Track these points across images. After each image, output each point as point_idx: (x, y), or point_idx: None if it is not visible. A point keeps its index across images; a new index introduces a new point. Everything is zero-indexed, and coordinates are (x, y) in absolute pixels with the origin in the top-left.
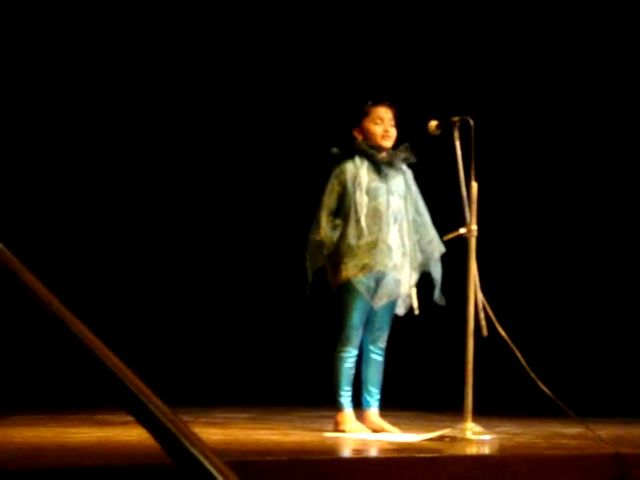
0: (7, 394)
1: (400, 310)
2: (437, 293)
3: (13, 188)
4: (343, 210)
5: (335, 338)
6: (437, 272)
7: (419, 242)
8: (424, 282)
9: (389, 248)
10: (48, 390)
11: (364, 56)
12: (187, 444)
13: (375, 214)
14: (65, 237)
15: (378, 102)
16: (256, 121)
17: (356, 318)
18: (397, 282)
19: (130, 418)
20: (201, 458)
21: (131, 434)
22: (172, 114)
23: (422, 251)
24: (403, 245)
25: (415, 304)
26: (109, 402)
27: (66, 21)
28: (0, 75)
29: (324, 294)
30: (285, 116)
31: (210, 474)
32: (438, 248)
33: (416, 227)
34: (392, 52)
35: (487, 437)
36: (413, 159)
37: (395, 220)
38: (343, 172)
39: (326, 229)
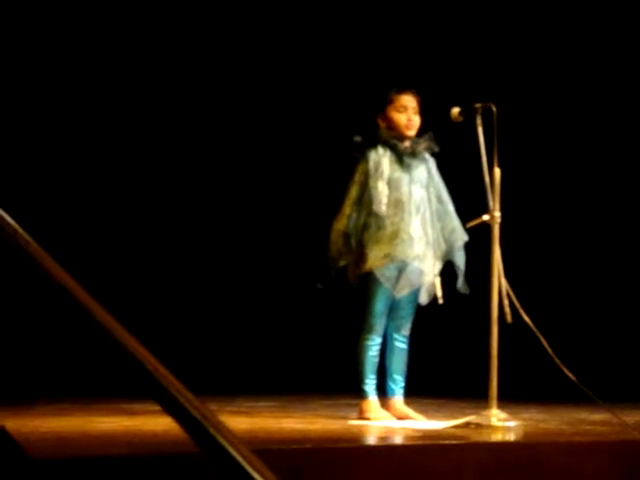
0: (33, 383)
1: (423, 299)
2: (461, 282)
3: (32, 182)
4: (365, 200)
5: (359, 327)
6: (461, 261)
7: (442, 231)
8: (448, 270)
9: (411, 238)
10: (74, 379)
11: (388, 43)
12: (215, 433)
13: (397, 204)
14: (90, 229)
15: (402, 90)
16: (278, 108)
17: (379, 307)
18: (420, 272)
19: (155, 407)
20: (229, 447)
21: (157, 423)
22: (196, 100)
23: (445, 240)
24: (426, 235)
25: (439, 293)
26: (135, 391)
27: (82, 14)
28: (12, 66)
29: (346, 283)
30: (308, 104)
31: (238, 463)
32: (461, 237)
33: (439, 216)
34: (415, 39)
35: (512, 424)
36: (436, 148)
37: (418, 210)
38: (366, 161)
39: (350, 219)
